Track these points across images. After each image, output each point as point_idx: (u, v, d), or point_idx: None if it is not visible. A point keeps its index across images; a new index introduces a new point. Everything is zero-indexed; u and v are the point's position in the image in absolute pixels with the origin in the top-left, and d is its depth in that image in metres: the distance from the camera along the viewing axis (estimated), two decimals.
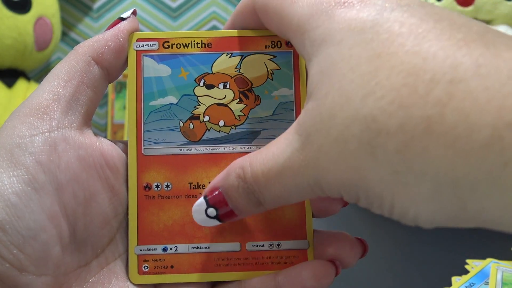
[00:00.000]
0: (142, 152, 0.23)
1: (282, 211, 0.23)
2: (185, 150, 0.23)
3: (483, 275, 0.35)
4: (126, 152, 0.23)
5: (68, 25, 0.82)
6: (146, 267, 0.22)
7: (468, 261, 0.38)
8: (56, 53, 0.83)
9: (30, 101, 0.21)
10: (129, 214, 0.22)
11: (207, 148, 0.23)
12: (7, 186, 0.19)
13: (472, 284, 0.34)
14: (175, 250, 0.22)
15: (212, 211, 0.19)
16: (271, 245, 0.22)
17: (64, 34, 0.82)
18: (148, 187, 0.23)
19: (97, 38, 0.22)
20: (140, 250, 0.22)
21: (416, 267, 0.38)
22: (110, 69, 0.22)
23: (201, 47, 0.23)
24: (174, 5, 0.82)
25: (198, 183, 0.23)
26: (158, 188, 0.23)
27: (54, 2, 0.72)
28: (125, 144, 0.23)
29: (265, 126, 0.23)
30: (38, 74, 0.83)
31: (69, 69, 0.21)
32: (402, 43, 0.14)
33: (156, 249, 0.22)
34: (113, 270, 0.22)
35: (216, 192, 0.19)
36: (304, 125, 0.17)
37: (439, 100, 0.13)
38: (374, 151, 0.14)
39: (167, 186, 0.23)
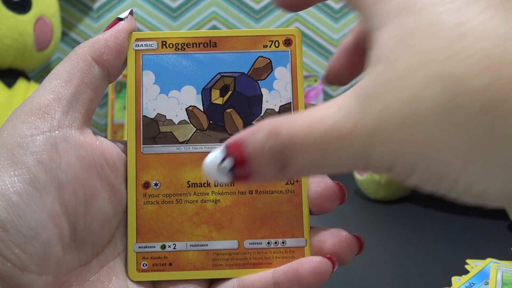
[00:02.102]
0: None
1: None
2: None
3: (483, 275, 0.35)
4: (125, 151, 0.23)
5: (68, 25, 0.82)
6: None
7: (468, 261, 0.38)
8: (56, 53, 0.83)
9: (31, 100, 0.21)
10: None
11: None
12: (9, 185, 0.19)
13: (472, 284, 0.34)
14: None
15: (227, 164, 0.17)
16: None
17: (64, 34, 0.82)
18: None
19: (97, 39, 0.22)
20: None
21: (416, 267, 0.38)
22: (110, 69, 0.22)
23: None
24: (174, 5, 0.82)
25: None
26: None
27: (54, 2, 0.73)
28: (124, 144, 0.23)
29: None
30: (38, 74, 0.83)
31: (69, 69, 0.21)
32: (491, 13, 0.14)
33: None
34: (113, 268, 0.22)
35: (239, 144, 0.17)
36: (367, 87, 0.15)
37: None
38: (452, 112, 0.13)
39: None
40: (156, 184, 0.23)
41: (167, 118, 0.23)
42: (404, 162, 0.15)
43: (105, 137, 0.23)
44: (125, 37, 0.23)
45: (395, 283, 0.36)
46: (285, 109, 0.23)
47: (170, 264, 0.22)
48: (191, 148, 0.23)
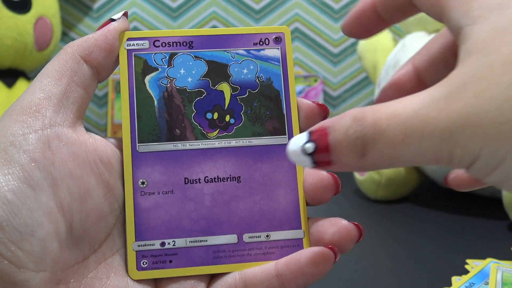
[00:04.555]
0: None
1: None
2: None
3: (483, 275, 0.35)
4: (119, 147, 0.23)
5: (68, 25, 0.82)
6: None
7: (468, 261, 0.38)
8: (56, 53, 0.83)
9: (21, 100, 0.21)
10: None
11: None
12: (3, 184, 0.19)
13: (472, 284, 0.34)
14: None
15: (309, 147, 0.17)
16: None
17: (64, 34, 0.82)
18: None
19: (86, 38, 0.22)
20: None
21: (416, 267, 0.38)
22: (100, 68, 0.22)
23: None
24: (174, 5, 0.82)
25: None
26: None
27: (54, 2, 0.73)
28: (118, 140, 0.23)
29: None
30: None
31: (59, 68, 0.21)
32: None
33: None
34: (111, 265, 0.22)
35: (323, 129, 0.17)
36: (457, 78, 0.15)
37: None
38: None
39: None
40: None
41: None
42: (492, 152, 0.14)
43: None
44: (115, 36, 0.23)
45: (395, 283, 0.36)
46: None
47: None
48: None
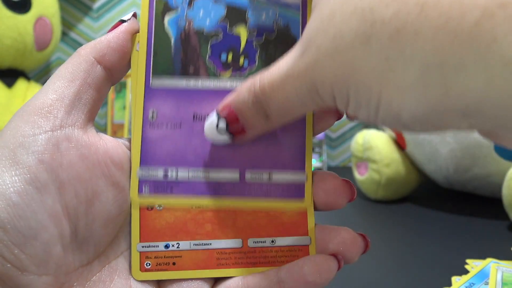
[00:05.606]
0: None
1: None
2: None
3: (483, 275, 0.35)
4: (129, 148, 0.23)
5: (68, 25, 0.82)
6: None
7: (468, 261, 0.38)
8: (56, 53, 0.83)
9: (33, 101, 0.21)
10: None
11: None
12: (9, 185, 0.18)
13: (472, 284, 0.34)
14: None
15: (222, 124, 0.21)
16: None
17: (64, 34, 0.82)
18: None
19: (99, 40, 0.22)
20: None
21: (416, 267, 0.38)
22: (113, 70, 0.22)
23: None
24: None
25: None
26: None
27: (54, 2, 0.73)
28: (129, 141, 0.23)
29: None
30: (38, 74, 0.83)
31: (72, 70, 0.21)
32: None
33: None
34: (114, 268, 0.22)
35: (227, 106, 0.21)
36: (306, 35, 0.18)
37: None
38: (368, 40, 0.16)
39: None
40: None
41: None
42: (340, 90, 0.17)
43: None
44: (127, 38, 0.23)
45: (395, 282, 0.36)
46: None
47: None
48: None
